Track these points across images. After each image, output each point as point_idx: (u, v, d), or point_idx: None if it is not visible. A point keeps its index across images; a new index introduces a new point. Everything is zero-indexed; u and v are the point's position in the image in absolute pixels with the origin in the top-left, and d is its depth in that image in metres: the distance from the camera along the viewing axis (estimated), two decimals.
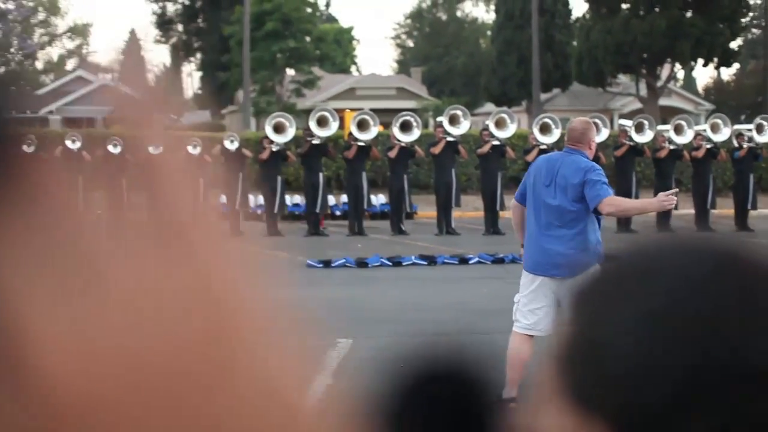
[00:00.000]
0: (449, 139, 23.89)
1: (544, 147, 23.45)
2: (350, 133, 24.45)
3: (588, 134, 8.17)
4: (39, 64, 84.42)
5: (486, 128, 24.76)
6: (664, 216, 24.84)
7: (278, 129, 24.19)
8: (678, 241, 0.88)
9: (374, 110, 40.56)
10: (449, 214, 24.17)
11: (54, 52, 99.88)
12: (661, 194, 8.20)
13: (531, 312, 7.98)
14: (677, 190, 8.72)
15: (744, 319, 0.81)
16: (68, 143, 23.67)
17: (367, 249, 20.17)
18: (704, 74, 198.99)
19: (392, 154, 24.12)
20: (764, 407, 0.81)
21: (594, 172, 7.91)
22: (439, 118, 26.15)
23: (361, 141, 23.90)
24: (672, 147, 24.63)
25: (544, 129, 24.21)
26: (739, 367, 0.81)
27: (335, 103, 54.89)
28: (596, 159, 26.00)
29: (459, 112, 24.57)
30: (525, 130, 32.88)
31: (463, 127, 24.39)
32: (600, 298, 0.86)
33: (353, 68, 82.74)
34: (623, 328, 0.83)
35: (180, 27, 73.76)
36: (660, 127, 26.56)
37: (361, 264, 17.80)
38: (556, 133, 23.60)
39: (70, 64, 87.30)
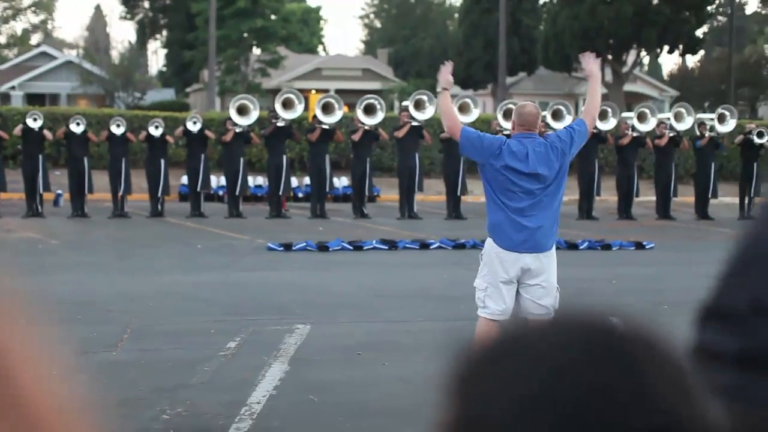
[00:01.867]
0: (414, 123, 23.88)
1: (507, 132, 23.50)
2: (315, 116, 24.38)
3: None
4: (2, 38, 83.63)
5: None
6: (626, 203, 25.01)
7: (242, 111, 24.09)
8: (552, 321, 0.87)
9: (340, 91, 40.46)
10: (412, 198, 24.18)
11: (18, 26, 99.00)
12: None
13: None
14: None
15: (618, 398, 0.81)
16: None
17: (329, 232, 20.16)
18: (669, 61, 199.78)
19: (356, 137, 24.09)
20: None
21: None
22: (404, 103, 26.10)
23: (325, 124, 23.84)
24: (635, 134, 24.73)
25: (508, 115, 24.24)
26: None
27: (301, 83, 54.76)
28: None
29: (425, 98, 24.54)
30: (489, 114, 32.93)
31: (429, 112, 24.37)
32: (479, 379, 0.86)
33: (320, 48, 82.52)
34: (500, 410, 0.82)
35: (146, 4, 73.25)
36: (624, 115, 26.66)
37: (322, 248, 17.77)
38: None
39: (35, 39, 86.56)
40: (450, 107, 8.50)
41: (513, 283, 8.08)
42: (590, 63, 8.73)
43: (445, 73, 8.57)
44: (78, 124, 23.72)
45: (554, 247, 8.24)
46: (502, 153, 8.08)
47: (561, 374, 0.82)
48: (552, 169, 8.08)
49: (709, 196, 25.47)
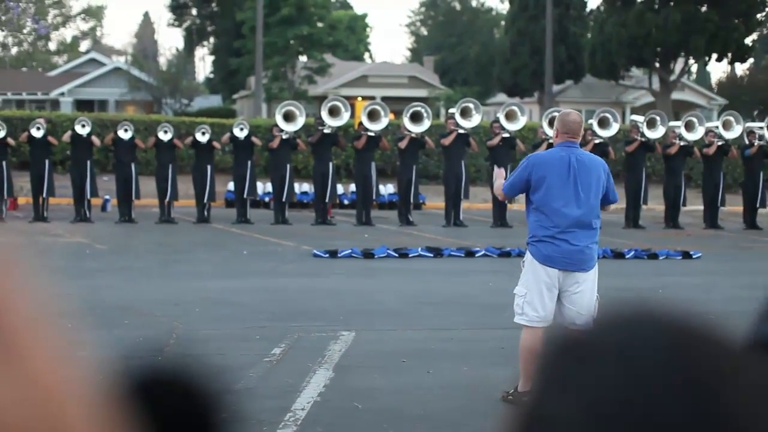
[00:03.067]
0: (460, 131, 23.84)
1: (551, 141, 23.35)
2: (361, 123, 24.41)
3: None
4: (52, 45, 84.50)
5: (496, 120, 24.71)
6: (673, 212, 24.82)
7: (288, 117, 24.16)
8: (621, 322, 0.84)
9: (386, 98, 40.48)
10: (458, 205, 24.12)
11: (67, 33, 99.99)
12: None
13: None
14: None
15: (691, 414, 0.78)
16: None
17: (374, 239, 20.16)
18: (718, 69, 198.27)
19: (402, 144, 24.07)
20: None
21: None
22: (450, 110, 26.06)
23: (371, 131, 23.86)
24: (682, 143, 24.55)
25: (554, 123, 24.13)
26: None
27: (347, 91, 54.84)
28: (606, 153, 25.97)
29: (471, 105, 24.49)
30: (535, 122, 32.82)
31: (475, 120, 24.33)
32: (549, 377, 0.84)
33: (366, 55, 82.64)
34: (566, 412, 0.80)
35: (194, 11, 73.72)
36: (671, 124, 26.45)
37: (368, 255, 17.78)
38: None
39: (84, 45, 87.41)
40: (499, 183, 8.67)
41: (555, 289, 8.03)
42: None
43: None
44: (126, 130, 23.90)
45: (596, 261, 8.20)
46: (535, 167, 8.09)
47: (637, 382, 0.79)
48: (591, 180, 8.03)
49: (757, 205, 25.21)
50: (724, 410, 0.78)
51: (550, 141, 23.26)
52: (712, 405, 0.78)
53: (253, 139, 24.53)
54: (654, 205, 26.84)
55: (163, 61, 67.52)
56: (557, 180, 7.99)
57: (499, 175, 8.76)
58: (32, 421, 0.63)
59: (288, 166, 24.20)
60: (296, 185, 26.67)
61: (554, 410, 0.81)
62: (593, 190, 8.03)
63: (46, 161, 23.93)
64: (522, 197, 8.58)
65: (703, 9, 47.29)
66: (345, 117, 24.25)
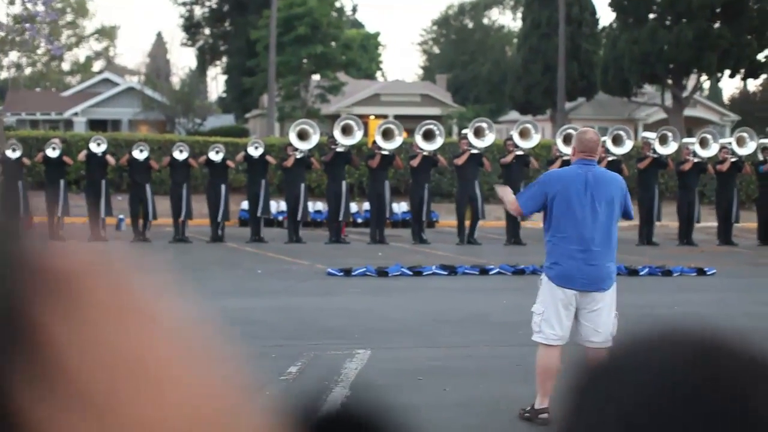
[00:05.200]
0: (473, 151, 23.83)
1: (567, 158, 23.32)
2: (374, 142, 24.43)
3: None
4: (65, 66, 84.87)
5: (510, 138, 24.71)
6: (687, 229, 24.76)
7: (302, 136, 24.20)
8: (652, 336, 0.87)
9: (398, 117, 40.48)
10: (474, 225, 24.12)
11: (81, 53, 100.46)
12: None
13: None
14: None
15: (719, 423, 0.80)
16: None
17: (388, 258, 20.16)
18: (730, 85, 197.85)
19: (414, 163, 24.10)
20: None
21: None
22: (464, 131, 26.06)
23: (384, 150, 23.89)
24: (696, 160, 24.50)
25: (568, 140, 24.11)
26: None
27: (360, 109, 54.89)
28: (619, 171, 25.89)
29: (484, 125, 24.48)
30: (549, 140, 32.84)
31: (488, 139, 24.31)
32: (583, 394, 0.86)
33: (378, 74, 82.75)
34: (599, 427, 0.82)
35: (206, 30, 73.91)
36: (685, 140, 26.41)
37: (382, 273, 17.78)
38: None
39: (97, 65, 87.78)
40: (510, 198, 8.50)
41: (572, 306, 8.03)
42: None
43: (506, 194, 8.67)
44: (141, 150, 23.94)
45: (614, 280, 8.19)
46: (553, 183, 8.10)
47: (668, 396, 0.81)
48: (609, 198, 8.03)
49: None
50: (752, 414, 0.80)
51: (565, 158, 23.32)
52: (739, 409, 0.80)
53: (268, 157, 24.57)
54: (668, 221, 26.78)
55: (175, 80, 67.77)
56: (574, 197, 7.99)
57: (505, 192, 8.74)
58: None
59: (302, 185, 24.24)
60: (310, 204, 26.69)
61: (594, 422, 0.83)
62: (610, 207, 8.03)
63: (61, 181, 24.02)
64: (536, 215, 8.59)
65: (716, 25, 47.25)
66: (357, 136, 24.27)
